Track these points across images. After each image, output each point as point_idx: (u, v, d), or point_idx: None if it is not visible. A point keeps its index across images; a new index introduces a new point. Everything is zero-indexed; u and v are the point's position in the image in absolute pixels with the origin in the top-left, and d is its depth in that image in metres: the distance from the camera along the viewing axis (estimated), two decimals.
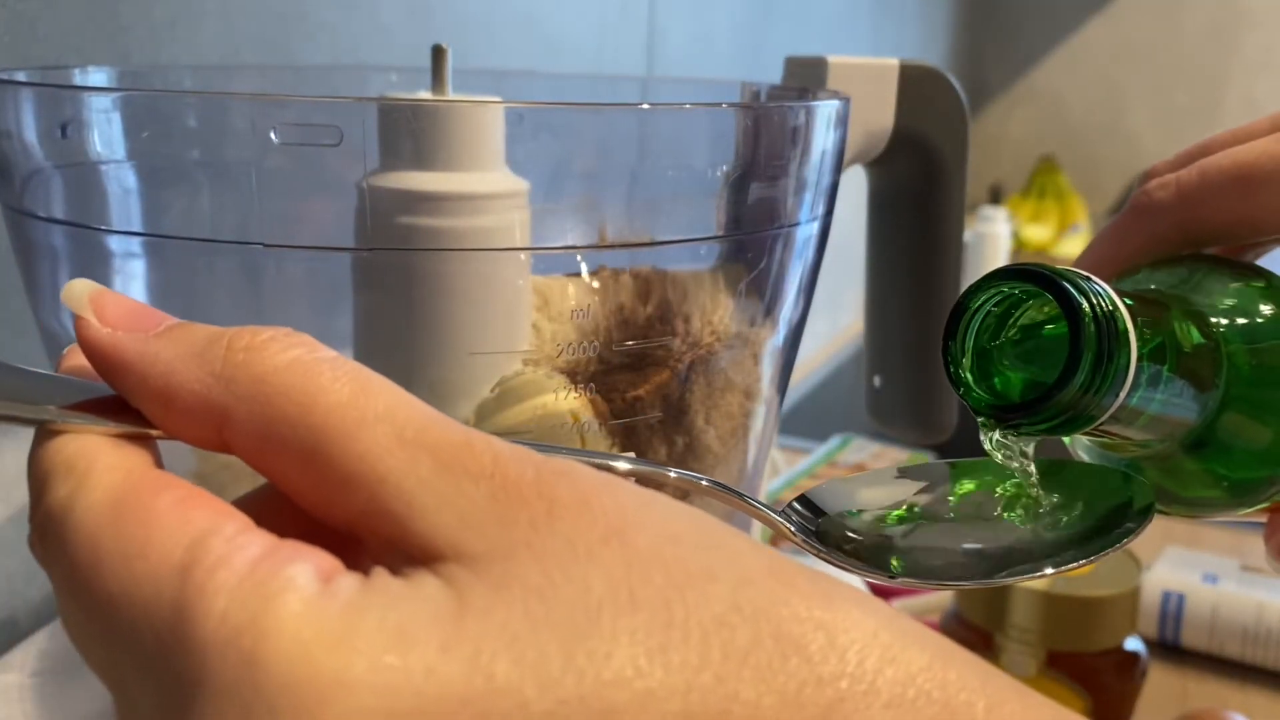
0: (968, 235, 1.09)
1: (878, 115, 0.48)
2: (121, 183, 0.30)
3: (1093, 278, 0.25)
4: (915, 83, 0.48)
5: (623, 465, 0.23)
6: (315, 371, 0.18)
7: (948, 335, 0.26)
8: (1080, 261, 0.32)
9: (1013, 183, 2.32)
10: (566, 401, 0.32)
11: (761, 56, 1.16)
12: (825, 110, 0.36)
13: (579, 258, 0.32)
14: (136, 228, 0.30)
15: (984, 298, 0.26)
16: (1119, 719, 0.48)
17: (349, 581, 0.17)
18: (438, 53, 0.36)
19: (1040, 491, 0.27)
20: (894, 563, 0.25)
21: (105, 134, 0.30)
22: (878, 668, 0.17)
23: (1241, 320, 0.28)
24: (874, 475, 0.29)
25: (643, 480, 0.22)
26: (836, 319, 1.48)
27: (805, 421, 1.09)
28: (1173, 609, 0.60)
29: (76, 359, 0.21)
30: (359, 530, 0.18)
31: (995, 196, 2.29)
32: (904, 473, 0.29)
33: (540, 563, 0.17)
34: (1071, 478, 0.28)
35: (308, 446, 0.18)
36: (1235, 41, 2.16)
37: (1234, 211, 0.30)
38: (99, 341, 0.19)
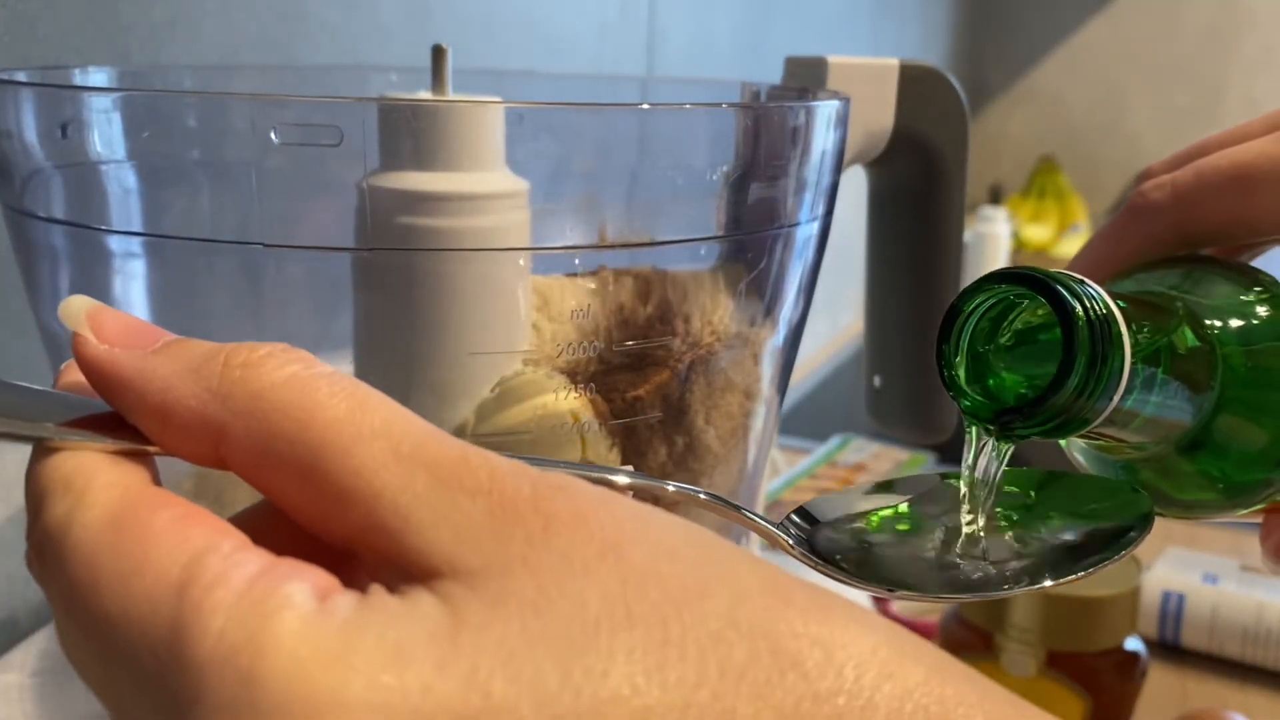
0: (968, 235, 1.09)
1: (878, 115, 0.48)
2: (121, 183, 0.30)
3: (1087, 281, 0.25)
4: (915, 83, 0.48)
5: (621, 479, 0.23)
6: (312, 387, 0.18)
7: (941, 338, 0.26)
8: (1076, 263, 0.32)
9: (1013, 183, 2.32)
10: (566, 401, 0.32)
11: (761, 56, 1.16)
12: (825, 110, 0.36)
13: (578, 258, 0.32)
14: (136, 228, 0.30)
15: (978, 301, 0.26)
16: (1119, 719, 0.48)
17: (346, 600, 0.17)
18: (438, 53, 0.36)
19: (978, 527, 0.26)
20: (892, 576, 0.25)
21: (105, 134, 0.30)
22: (875, 683, 0.17)
23: (1237, 322, 0.28)
24: (871, 487, 0.29)
25: (641, 494, 0.22)
26: (836, 319, 1.48)
27: (805, 421, 1.09)
28: (1173, 609, 0.60)
29: (74, 375, 0.20)
30: (356, 546, 0.18)
31: (995, 196, 2.29)
32: (902, 484, 0.29)
33: (536, 578, 0.17)
34: (1071, 487, 0.28)
35: (304, 462, 0.18)
36: (1235, 41, 2.16)
37: (1230, 212, 0.30)
38: (96, 358, 0.19)
